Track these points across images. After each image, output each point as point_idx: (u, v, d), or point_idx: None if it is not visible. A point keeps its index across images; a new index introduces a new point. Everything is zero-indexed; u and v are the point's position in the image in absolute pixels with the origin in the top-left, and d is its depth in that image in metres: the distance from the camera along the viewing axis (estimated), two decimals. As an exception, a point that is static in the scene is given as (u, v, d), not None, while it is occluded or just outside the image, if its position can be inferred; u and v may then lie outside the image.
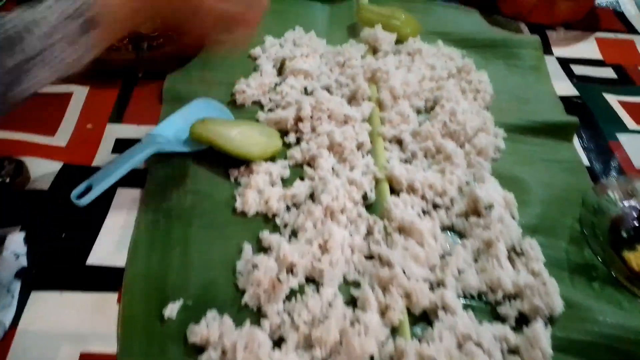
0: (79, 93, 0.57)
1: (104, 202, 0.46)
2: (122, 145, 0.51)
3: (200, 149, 0.50)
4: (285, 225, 0.45)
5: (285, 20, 0.69)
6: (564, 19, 0.74)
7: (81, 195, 0.42)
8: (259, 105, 0.57)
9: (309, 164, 0.50)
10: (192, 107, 0.54)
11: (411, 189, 0.48)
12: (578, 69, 0.68)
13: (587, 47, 0.72)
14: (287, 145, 0.53)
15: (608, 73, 0.68)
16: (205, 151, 0.50)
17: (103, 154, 0.51)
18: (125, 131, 0.53)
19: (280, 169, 0.49)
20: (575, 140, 0.57)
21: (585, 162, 0.55)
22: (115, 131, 0.53)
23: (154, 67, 0.59)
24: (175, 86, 0.58)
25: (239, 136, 0.50)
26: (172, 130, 0.51)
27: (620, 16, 0.79)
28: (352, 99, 0.58)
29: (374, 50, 0.64)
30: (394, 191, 0.48)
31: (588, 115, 0.60)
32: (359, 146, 0.52)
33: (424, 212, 0.47)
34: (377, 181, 0.49)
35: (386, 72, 0.59)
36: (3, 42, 0.34)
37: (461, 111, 0.54)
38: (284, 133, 0.53)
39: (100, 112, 0.55)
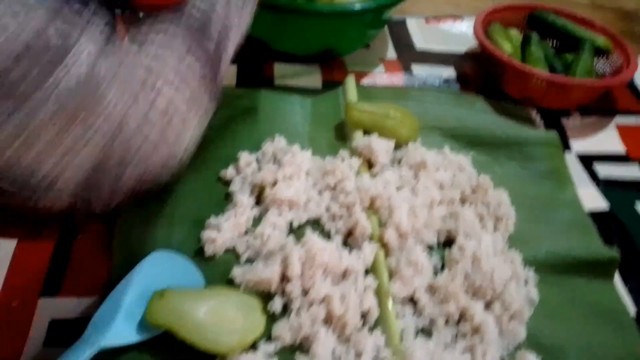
0: (3, 250, 0.45)
1: None
2: (59, 331, 0.39)
3: (159, 332, 0.39)
4: None
5: (261, 124, 0.58)
6: (578, 103, 0.65)
7: None
8: (233, 253, 0.46)
9: (300, 348, 0.39)
10: (149, 266, 0.42)
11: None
12: (602, 169, 0.59)
13: (608, 137, 0.63)
14: (271, 316, 0.41)
15: (635, 172, 0.59)
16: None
17: (33, 347, 0.39)
18: (63, 308, 0.41)
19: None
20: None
21: (631, 307, 0.45)
22: (50, 309, 0.41)
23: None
24: (129, 231, 0.46)
25: (208, 318, 0.38)
26: (122, 309, 0.40)
27: (637, 93, 0.71)
28: (349, 236, 0.47)
29: (369, 164, 0.54)
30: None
31: (626, 239, 0.51)
32: (364, 313, 0.41)
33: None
34: (393, 372, 0.38)
35: (388, 198, 0.48)
36: (201, 24, 0.38)
37: (485, 254, 0.44)
38: (266, 296, 0.42)
39: (30, 278, 0.43)
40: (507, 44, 0.66)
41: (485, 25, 0.69)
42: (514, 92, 0.65)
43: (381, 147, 0.54)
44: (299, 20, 0.61)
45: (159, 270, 0.42)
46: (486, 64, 0.69)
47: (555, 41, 0.73)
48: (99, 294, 0.42)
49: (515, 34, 0.71)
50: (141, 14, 0.41)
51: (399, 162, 0.55)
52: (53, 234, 0.46)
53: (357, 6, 0.59)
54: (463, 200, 0.51)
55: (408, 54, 0.72)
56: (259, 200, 0.50)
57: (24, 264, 0.44)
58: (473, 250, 0.45)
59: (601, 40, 0.68)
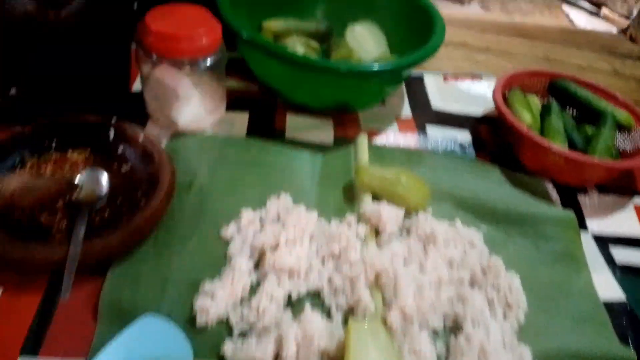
0: (-14, 301, 0.42)
1: None
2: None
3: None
4: None
5: (267, 178, 0.56)
6: (597, 181, 0.63)
7: None
8: (226, 325, 0.43)
9: None
10: (136, 333, 0.40)
11: None
12: (619, 253, 0.56)
13: (626, 219, 0.61)
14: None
15: (653, 259, 0.56)
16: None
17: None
18: (41, 372, 0.39)
19: None
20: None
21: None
22: (27, 370, 0.39)
23: (91, 259, 0.45)
24: (119, 290, 0.44)
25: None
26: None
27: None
28: (349, 313, 0.45)
29: (377, 231, 0.52)
30: None
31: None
32: (361, 406, 0.39)
33: None
34: None
35: (394, 274, 0.46)
36: None
37: (493, 347, 0.41)
38: (258, 376, 0.40)
39: (12, 333, 0.41)
40: (526, 114, 0.64)
41: (505, 89, 0.68)
42: (530, 163, 0.63)
43: (390, 215, 0.51)
44: (314, 75, 0.59)
45: (145, 339, 0.40)
46: (504, 131, 0.67)
47: (575, 110, 0.71)
48: (83, 356, 0.40)
49: (535, 101, 0.69)
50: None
51: (408, 231, 0.53)
52: (39, 288, 0.44)
53: (375, 66, 0.57)
54: (472, 281, 0.49)
55: (423, 113, 0.71)
56: (259, 262, 0.48)
57: (6, 317, 0.42)
58: (480, 341, 0.42)
59: (623, 115, 0.67)
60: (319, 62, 0.59)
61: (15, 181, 0.45)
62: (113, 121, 0.55)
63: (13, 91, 0.57)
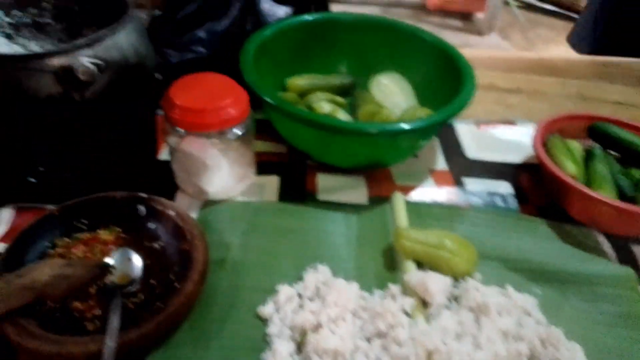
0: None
1: None
2: None
3: None
4: None
5: (302, 247, 0.54)
6: (651, 230, 0.59)
7: None
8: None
9: None
10: None
11: None
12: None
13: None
14: None
15: None
16: None
17: None
18: None
19: None
20: None
21: None
22: None
23: (127, 349, 0.43)
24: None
25: None
26: None
27: None
28: (401, 400, 0.41)
29: (423, 302, 0.49)
30: None
31: None
32: None
33: None
34: None
35: (448, 354, 0.43)
36: None
37: None
38: None
39: None
40: (569, 163, 0.60)
41: (544, 136, 0.65)
42: (579, 215, 0.59)
43: (437, 285, 0.48)
44: (343, 137, 0.58)
45: None
46: (547, 181, 0.63)
47: (619, 153, 0.67)
48: None
49: (576, 147, 0.66)
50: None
51: (456, 299, 0.50)
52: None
53: (407, 126, 0.55)
54: (531, 356, 0.45)
55: (459, 164, 0.68)
56: (300, 344, 0.45)
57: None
58: None
59: (672, 157, 0.63)
60: (349, 125, 0.58)
61: (47, 272, 0.43)
62: (142, 196, 0.54)
63: (41, 169, 0.56)
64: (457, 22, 3.01)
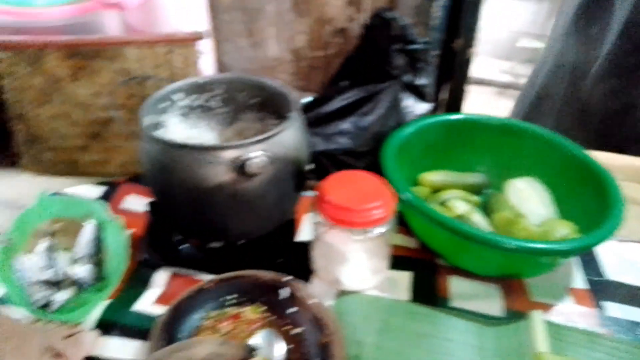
0: None
1: None
2: None
3: None
4: None
5: (432, 355, 0.54)
6: None
7: None
8: None
9: None
10: None
11: None
12: None
13: None
14: None
15: None
16: None
17: None
18: None
19: None
20: None
21: None
22: None
23: None
24: None
25: None
26: None
27: None
28: None
29: None
30: None
31: None
32: None
33: None
34: None
35: None
36: None
37: None
38: None
39: None
40: None
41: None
42: None
43: None
44: (479, 246, 0.58)
45: None
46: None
47: None
48: None
49: None
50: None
51: None
52: None
53: (552, 246, 0.55)
54: None
55: (599, 285, 0.65)
56: None
57: None
58: None
59: None
60: (487, 236, 0.57)
61: (205, 349, 0.47)
62: (286, 279, 0.58)
63: (215, 245, 0.63)
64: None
